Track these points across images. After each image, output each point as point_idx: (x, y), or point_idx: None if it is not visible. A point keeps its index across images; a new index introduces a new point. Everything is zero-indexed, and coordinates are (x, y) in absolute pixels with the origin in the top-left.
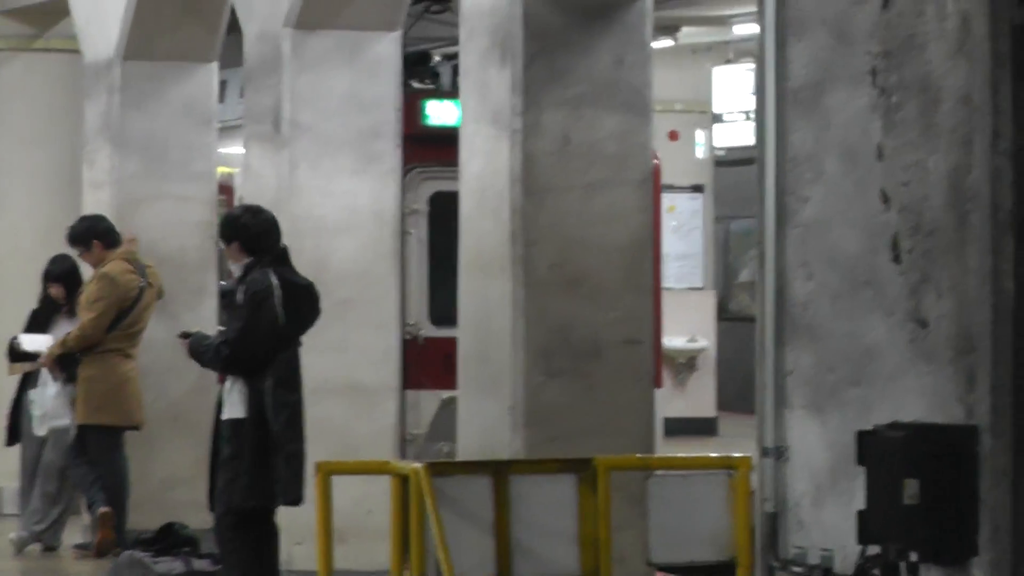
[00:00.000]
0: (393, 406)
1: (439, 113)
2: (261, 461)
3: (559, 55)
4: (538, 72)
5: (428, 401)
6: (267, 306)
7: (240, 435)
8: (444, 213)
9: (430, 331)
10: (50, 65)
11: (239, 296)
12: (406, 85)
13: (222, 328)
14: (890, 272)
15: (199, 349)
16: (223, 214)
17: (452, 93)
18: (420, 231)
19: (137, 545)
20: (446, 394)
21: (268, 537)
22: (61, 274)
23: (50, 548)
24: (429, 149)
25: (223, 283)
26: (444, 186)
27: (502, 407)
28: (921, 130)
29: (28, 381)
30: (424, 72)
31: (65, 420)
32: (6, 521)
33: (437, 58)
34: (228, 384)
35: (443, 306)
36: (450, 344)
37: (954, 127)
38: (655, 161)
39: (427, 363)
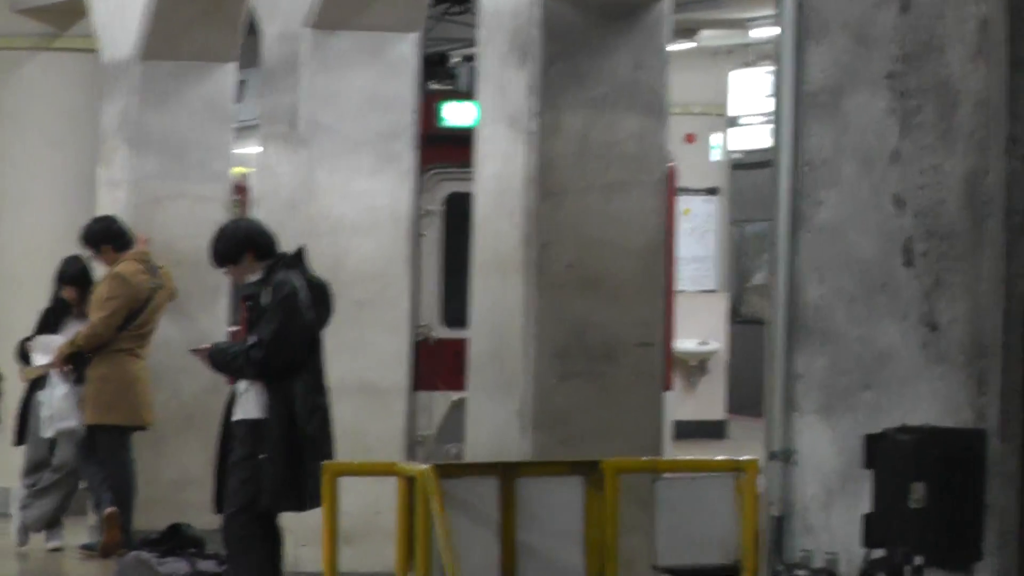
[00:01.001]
0: (404, 407)
1: (455, 114)
2: (290, 465)
3: (577, 57)
4: (556, 74)
5: (439, 402)
6: (298, 306)
7: (257, 437)
8: (459, 214)
9: (442, 332)
10: (68, 64)
11: (264, 299)
12: (423, 86)
13: (232, 329)
14: (904, 276)
15: (224, 358)
16: (219, 239)
17: (469, 94)
18: (434, 232)
19: (143, 546)
20: (456, 396)
21: (275, 538)
22: (74, 276)
23: (23, 529)
24: (445, 150)
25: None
26: (460, 187)
27: (512, 409)
28: (939, 134)
29: (37, 382)
30: (442, 73)
31: (72, 422)
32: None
33: (455, 59)
34: (243, 385)
35: (456, 307)
36: (462, 345)
37: (972, 131)
38: (670, 164)
39: (439, 364)
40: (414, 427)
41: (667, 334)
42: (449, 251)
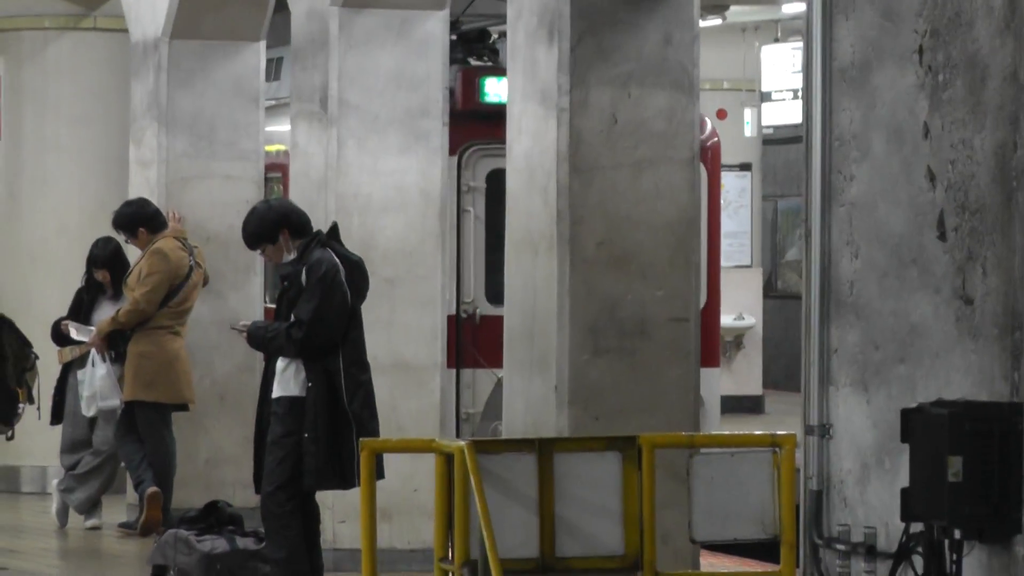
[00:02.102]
0: (438, 384)
1: (497, 90)
2: (333, 442)
3: (607, 34)
4: (586, 51)
5: (484, 380)
6: (337, 283)
7: (296, 414)
8: (501, 190)
9: (487, 309)
10: (98, 44)
11: (304, 278)
12: (464, 62)
13: (270, 306)
14: (936, 250)
15: (264, 336)
16: (252, 220)
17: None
18: (477, 209)
19: (181, 523)
20: (501, 373)
21: (313, 515)
22: (107, 258)
23: (63, 510)
24: (487, 126)
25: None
26: (502, 163)
27: (548, 385)
28: (968, 108)
29: (75, 361)
30: (482, 49)
31: (114, 401)
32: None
33: (495, 35)
34: (282, 362)
35: (500, 284)
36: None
37: (1001, 105)
38: (715, 139)
39: (483, 341)
40: (454, 404)
41: (713, 310)
42: (491, 228)
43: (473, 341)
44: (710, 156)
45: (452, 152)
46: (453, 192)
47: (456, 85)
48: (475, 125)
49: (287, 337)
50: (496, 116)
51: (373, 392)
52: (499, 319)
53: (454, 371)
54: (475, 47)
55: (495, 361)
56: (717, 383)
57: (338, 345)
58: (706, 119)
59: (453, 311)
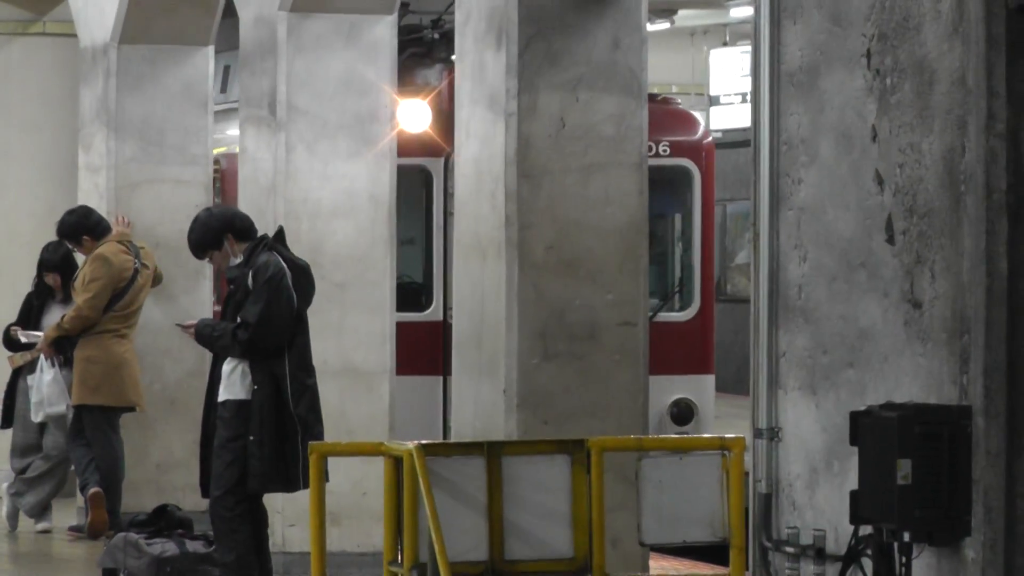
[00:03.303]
0: (387, 389)
1: None
2: (278, 445)
3: (555, 38)
4: (534, 55)
5: None
6: (283, 286)
7: (243, 418)
8: None
9: None
10: (47, 49)
11: (250, 281)
12: (448, 61)
13: (217, 309)
14: (884, 254)
15: (210, 334)
16: (195, 229)
17: None
18: None
19: (131, 527)
20: None
21: (260, 519)
22: (57, 262)
23: (13, 514)
24: None
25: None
26: None
27: (497, 389)
28: (916, 112)
29: (25, 366)
30: None
31: (61, 407)
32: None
33: None
34: (228, 366)
35: None
36: None
37: (949, 109)
38: (709, 138)
39: None
40: (442, 414)
41: (707, 315)
42: None
43: None
44: (704, 156)
45: (438, 154)
46: (442, 197)
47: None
48: None
49: (233, 337)
50: None
51: (318, 396)
52: None
53: (441, 379)
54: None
55: None
56: (711, 390)
57: (284, 349)
58: (699, 118)
59: (441, 317)
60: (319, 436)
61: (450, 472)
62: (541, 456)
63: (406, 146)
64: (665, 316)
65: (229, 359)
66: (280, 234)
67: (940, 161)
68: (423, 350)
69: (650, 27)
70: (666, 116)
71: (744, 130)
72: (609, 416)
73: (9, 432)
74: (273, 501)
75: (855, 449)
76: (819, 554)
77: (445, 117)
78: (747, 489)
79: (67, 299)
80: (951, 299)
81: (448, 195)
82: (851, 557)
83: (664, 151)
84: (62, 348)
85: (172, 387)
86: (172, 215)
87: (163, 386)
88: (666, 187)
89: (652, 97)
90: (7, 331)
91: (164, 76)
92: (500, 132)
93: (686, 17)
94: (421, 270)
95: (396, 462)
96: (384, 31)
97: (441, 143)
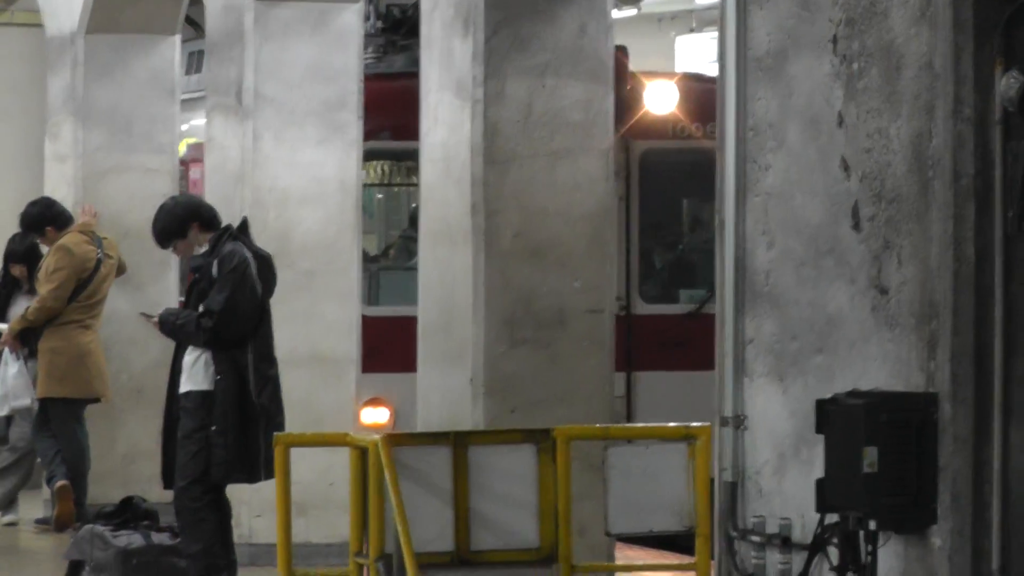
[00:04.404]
0: (354, 377)
1: None
2: (241, 436)
3: (522, 24)
4: (501, 42)
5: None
6: (248, 276)
7: (206, 408)
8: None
9: (641, 308)
10: (14, 39)
11: (215, 269)
12: None
13: (182, 299)
14: (852, 240)
15: (174, 323)
16: (160, 217)
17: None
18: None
19: (97, 519)
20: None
21: (225, 510)
22: (22, 253)
23: None
24: None
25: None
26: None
27: (464, 377)
28: (884, 98)
29: None
30: None
31: (25, 400)
32: None
33: None
34: (190, 357)
35: (656, 279)
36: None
37: (916, 94)
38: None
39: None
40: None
41: None
42: (644, 215)
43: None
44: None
45: None
46: None
47: None
48: None
49: (197, 326)
50: None
51: (280, 387)
52: (659, 318)
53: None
54: None
55: (656, 364)
56: None
57: (247, 339)
58: None
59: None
60: (281, 427)
61: (416, 462)
62: (507, 445)
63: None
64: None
65: (191, 350)
66: (244, 224)
67: (908, 146)
68: None
69: (617, 13)
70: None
71: None
72: (576, 404)
73: None
74: (239, 492)
75: (822, 437)
76: (785, 543)
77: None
78: (713, 477)
79: (33, 290)
80: (918, 285)
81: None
82: (817, 545)
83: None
84: (27, 340)
85: (138, 377)
86: (140, 204)
87: (129, 376)
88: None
89: (704, 78)
90: None
91: (131, 65)
92: (467, 118)
93: (653, 3)
94: None
95: (362, 452)
96: (351, 18)
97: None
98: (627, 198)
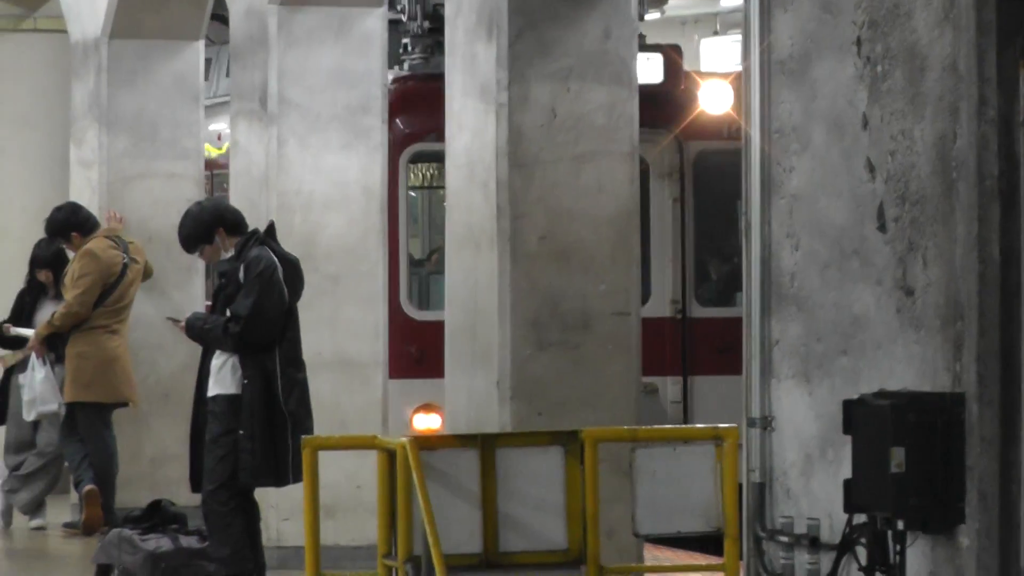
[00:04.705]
0: (381, 381)
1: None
2: (269, 440)
3: (545, 29)
4: (524, 46)
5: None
6: (275, 280)
7: (234, 412)
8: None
9: (697, 311)
10: (39, 45)
11: (242, 274)
12: None
13: (208, 304)
14: (877, 241)
15: (201, 328)
16: (186, 223)
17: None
18: (685, 196)
19: (125, 523)
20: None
21: (253, 513)
22: (49, 259)
23: (8, 511)
24: None
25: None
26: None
27: (491, 380)
28: (907, 99)
29: (18, 364)
30: None
31: (53, 405)
32: None
33: None
34: (218, 361)
35: (712, 281)
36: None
37: (940, 96)
38: None
39: (698, 346)
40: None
41: None
42: (700, 217)
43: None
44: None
45: None
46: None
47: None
48: None
49: (224, 331)
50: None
51: (308, 391)
52: (715, 321)
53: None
54: None
55: (713, 368)
56: None
57: (274, 343)
58: None
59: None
60: (309, 430)
61: (444, 465)
62: (535, 448)
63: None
64: None
65: (218, 354)
66: (271, 229)
67: (932, 148)
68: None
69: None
70: None
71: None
72: (603, 406)
73: (3, 429)
74: (267, 495)
75: (849, 438)
76: (813, 543)
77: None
78: (741, 478)
79: (59, 296)
80: (944, 286)
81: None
82: (845, 546)
83: None
84: (53, 345)
85: (165, 381)
86: (164, 209)
87: (157, 380)
88: None
89: None
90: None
91: (155, 71)
92: (491, 123)
93: (677, 7)
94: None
95: (390, 455)
96: (375, 23)
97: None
98: (681, 200)
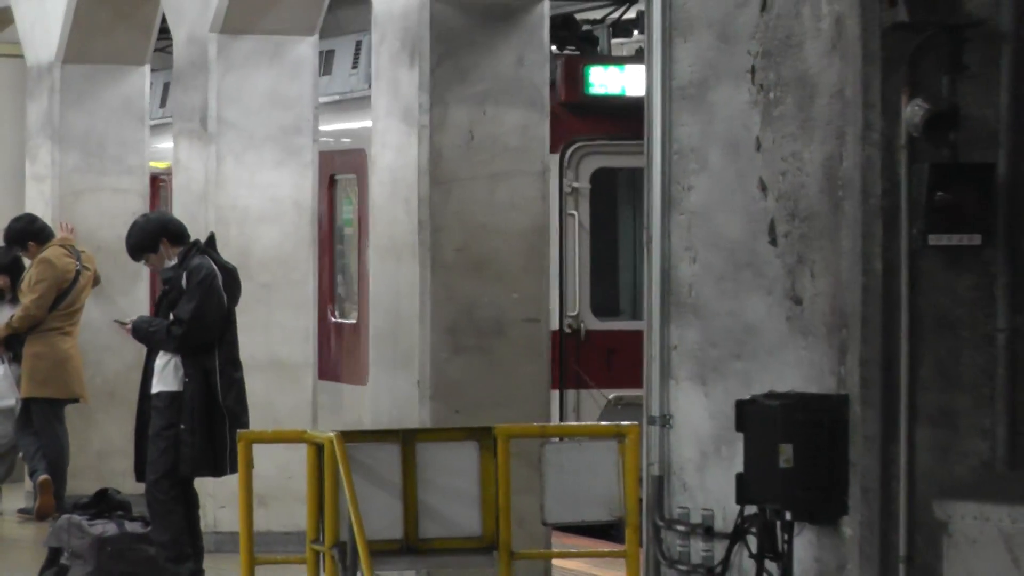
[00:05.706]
0: (310, 381)
1: (604, 80)
2: (208, 434)
3: (464, 56)
4: (444, 72)
5: (588, 402)
6: (215, 287)
7: (176, 408)
8: (608, 192)
9: (593, 323)
10: None
11: (184, 281)
12: (562, 50)
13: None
14: (768, 255)
15: (147, 330)
16: (133, 233)
17: (613, 59)
18: (581, 213)
19: (75, 509)
20: (613, 394)
21: (192, 501)
22: (6, 265)
23: None
24: (592, 121)
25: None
26: (608, 162)
27: (411, 381)
28: (798, 124)
29: None
30: (570, 37)
31: (10, 400)
32: None
33: (588, 25)
34: (161, 360)
35: (607, 294)
36: (616, 339)
37: (828, 120)
38: None
39: (589, 359)
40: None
41: None
42: (597, 233)
43: (577, 359)
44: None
45: (554, 149)
46: (555, 193)
47: (558, 76)
48: (579, 120)
49: (167, 333)
50: (603, 110)
51: (245, 388)
52: (607, 335)
53: (557, 392)
54: (561, 35)
55: (603, 381)
56: None
57: (214, 345)
58: None
59: (556, 326)
60: (245, 425)
61: (367, 457)
62: (452, 442)
63: None
64: None
65: (162, 354)
66: (211, 239)
67: (820, 169)
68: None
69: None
70: None
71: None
72: (514, 405)
73: None
74: (205, 485)
75: (741, 435)
76: (708, 532)
77: (561, 109)
78: (641, 472)
79: (16, 300)
80: (830, 296)
81: (564, 192)
82: (737, 534)
83: None
84: (11, 345)
85: (112, 380)
86: (111, 221)
87: (103, 379)
88: None
89: None
90: None
91: (104, 93)
92: (413, 143)
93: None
94: None
95: (318, 449)
96: (306, 50)
97: (558, 136)
98: None
